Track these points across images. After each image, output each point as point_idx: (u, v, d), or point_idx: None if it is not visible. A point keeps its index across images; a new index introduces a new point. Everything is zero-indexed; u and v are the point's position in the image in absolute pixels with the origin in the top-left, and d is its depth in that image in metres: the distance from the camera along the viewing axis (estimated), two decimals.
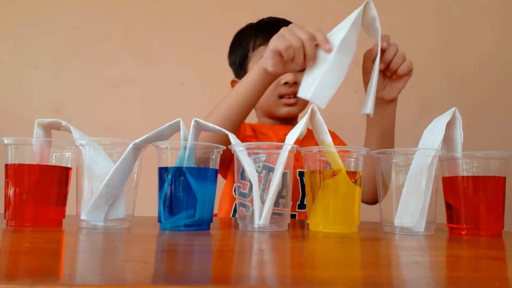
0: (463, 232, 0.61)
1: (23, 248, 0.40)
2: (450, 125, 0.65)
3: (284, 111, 1.01)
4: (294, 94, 0.98)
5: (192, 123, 0.60)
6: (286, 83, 0.98)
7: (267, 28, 1.00)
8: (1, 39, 1.51)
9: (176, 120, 0.60)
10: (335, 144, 0.62)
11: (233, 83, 1.07)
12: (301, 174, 0.94)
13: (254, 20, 1.07)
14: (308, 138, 0.78)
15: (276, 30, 0.97)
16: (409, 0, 1.54)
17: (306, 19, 1.45)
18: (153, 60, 1.51)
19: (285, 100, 1.00)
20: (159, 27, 1.52)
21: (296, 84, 0.98)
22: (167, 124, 0.60)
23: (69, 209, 0.61)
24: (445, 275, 0.33)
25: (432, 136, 0.62)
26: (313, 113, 0.63)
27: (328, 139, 0.62)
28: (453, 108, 0.64)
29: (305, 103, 1.02)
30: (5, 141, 0.59)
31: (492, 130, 1.47)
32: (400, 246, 0.48)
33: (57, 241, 0.46)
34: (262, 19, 1.06)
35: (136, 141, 0.58)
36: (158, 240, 0.48)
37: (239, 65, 1.05)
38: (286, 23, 1.00)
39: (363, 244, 0.50)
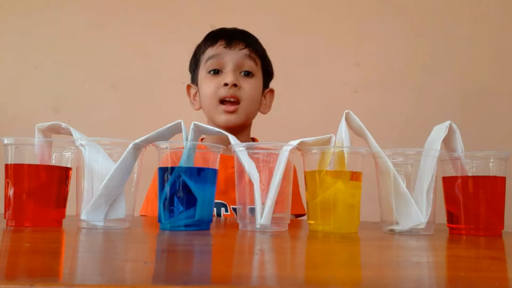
0: (463, 232, 0.61)
1: (23, 248, 0.40)
2: (449, 140, 0.64)
3: (222, 119, 0.95)
4: (235, 100, 0.95)
5: (192, 126, 0.60)
6: (226, 84, 0.94)
7: (214, 32, 1.00)
8: (1, 39, 1.51)
9: (177, 121, 0.60)
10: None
11: (188, 88, 1.06)
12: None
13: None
14: None
15: (224, 31, 0.99)
16: (409, 3, 1.54)
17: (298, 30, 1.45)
18: (153, 60, 1.51)
19: (224, 107, 0.95)
20: (159, 27, 1.52)
21: (236, 86, 0.94)
22: (168, 125, 0.60)
23: (69, 209, 0.61)
24: (445, 275, 0.33)
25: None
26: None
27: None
28: (448, 122, 0.63)
29: (246, 113, 0.97)
30: (5, 141, 0.59)
31: (492, 130, 1.47)
32: (400, 246, 0.48)
33: (57, 241, 0.46)
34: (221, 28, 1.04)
35: (136, 141, 0.58)
36: (158, 240, 0.48)
37: (193, 70, 1.04)
38: (235, 29, 1.01)
39: (363, 244, 0.50)
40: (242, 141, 1.02)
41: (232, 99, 0.95)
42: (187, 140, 0.59)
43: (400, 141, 1.33)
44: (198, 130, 0.61)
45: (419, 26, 1.52)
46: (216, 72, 0.97)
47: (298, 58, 1.45)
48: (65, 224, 0.60)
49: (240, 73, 0.97)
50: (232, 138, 0.60)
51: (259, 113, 1.04)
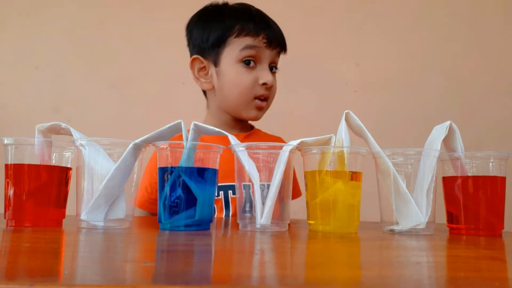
0: (463, 232, 0.61)
1: (23, 248, 0.40)
2: (449, 140, 0.64)
3: (252, 114, 0.96)
4: (266, 97, 0.95)
5: (192, 126, 0.60)
6: (264, 84, 0.93)
7: (257, 17, 0.94)
8: (1, 39, 1.51)
9: (177, 121, 0.60)
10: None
11: (193, 60, 0.96)
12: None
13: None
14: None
15: (266, 24, 0.94)
16: (409, 3, 1.54)
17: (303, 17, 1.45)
18: (153, 60, 1.51)
19: (258, 103, 0.94)
20: (159, 27, 1.52)
21: (271, 87, 0.94)
22: (168, 125, 0.60)
23: (69, 209, 0.61)
24: (445, 275, 0.33)
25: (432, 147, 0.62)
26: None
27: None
28: (448, 122, 0.63)
29: (267, 108, 0.99)
30: (5, 141, 0.59)
31: (492, 130, 1.47)
32: (400, 246, 0.48)
33: (57, 241, 0.46)
34: (247, 6, 0.97)
35: (136, 141, 0.58)
36: (158, 240, 0.48)
37: (211, 45, 0.94)
38: (271, 20, 0.97)
39: (363, 244, 0.50)
40: (244, 125, 1.00)
41: (264, 98, 0.95)
42: (187, 140, 0.59)
43: (400, 141, 1.33)
44: (198, 130, 0.61)
45: (419, 26, 1.52)
46: (248, 62, 0.92)
47: (298, 58, 1.45)
48: (65, 224, 0.60)
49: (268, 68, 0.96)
50: (232, 138, 0.60)
51: None
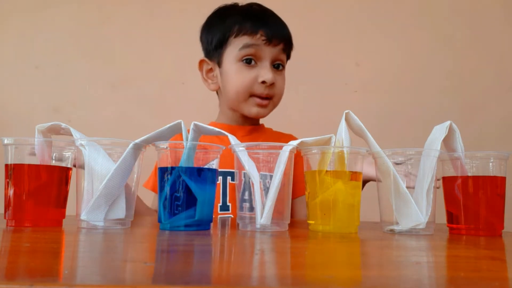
0: (463, 232, 0.61)
1: (23, 248, 0.40)
2: (449, 140, 0.64)
3: (253, 111, 0.95)
4: (268, 97, 0.94)
5: (192, 126, 0.60)
6: (263, 82, 0.92)
7: (254, 18, 0.94)
8: (1, 39, 1.51)
9: (177, 121, 0.60)
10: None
11: (201, 63, 0.99)
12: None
13: None
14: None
15: (264, 21, 0.93)
16: (409, 3, 1.54)
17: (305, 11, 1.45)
18: (153, 60, 1.51)
19: (258, 100, 0.94)
20: (159, 27, 1.52)
21: (273, 85, 0.93)
22: (168, 125, 0.60)
23: (69, 209, 0.61)
24: (445, 275, 0.33)
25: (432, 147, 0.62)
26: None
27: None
28: (448, 122, 0.63)
29: (274, 106, 0.98)
30: (5, 141, 0.59)
31: (492, 130, 1.47)
32: (400, 246, 0.48)
33: (57, 241, 0.46)
34: (250, 5, 0.98)
35: (136, 141, 0.58)
36: (158, 240, 0.48)
37: (214, 47, 0.96)
38: (274, 15, 0.97)
39: (363, 244, 0.50)
40: (252, 121, 1.00)
41: (266, 96, 0.94)
42: (187, 140, 0.59)
43: (400, 141, 1.33)
44: (198, 130, 0.61)
45: (419, 26, 1.52)
46: (249, 61, 0.92)
47: (298, 57, 1.45)
48: (65, 224, 0.60)
49: (272, 65, 0.95)
50: (232, 138, 0.60)
51: None
